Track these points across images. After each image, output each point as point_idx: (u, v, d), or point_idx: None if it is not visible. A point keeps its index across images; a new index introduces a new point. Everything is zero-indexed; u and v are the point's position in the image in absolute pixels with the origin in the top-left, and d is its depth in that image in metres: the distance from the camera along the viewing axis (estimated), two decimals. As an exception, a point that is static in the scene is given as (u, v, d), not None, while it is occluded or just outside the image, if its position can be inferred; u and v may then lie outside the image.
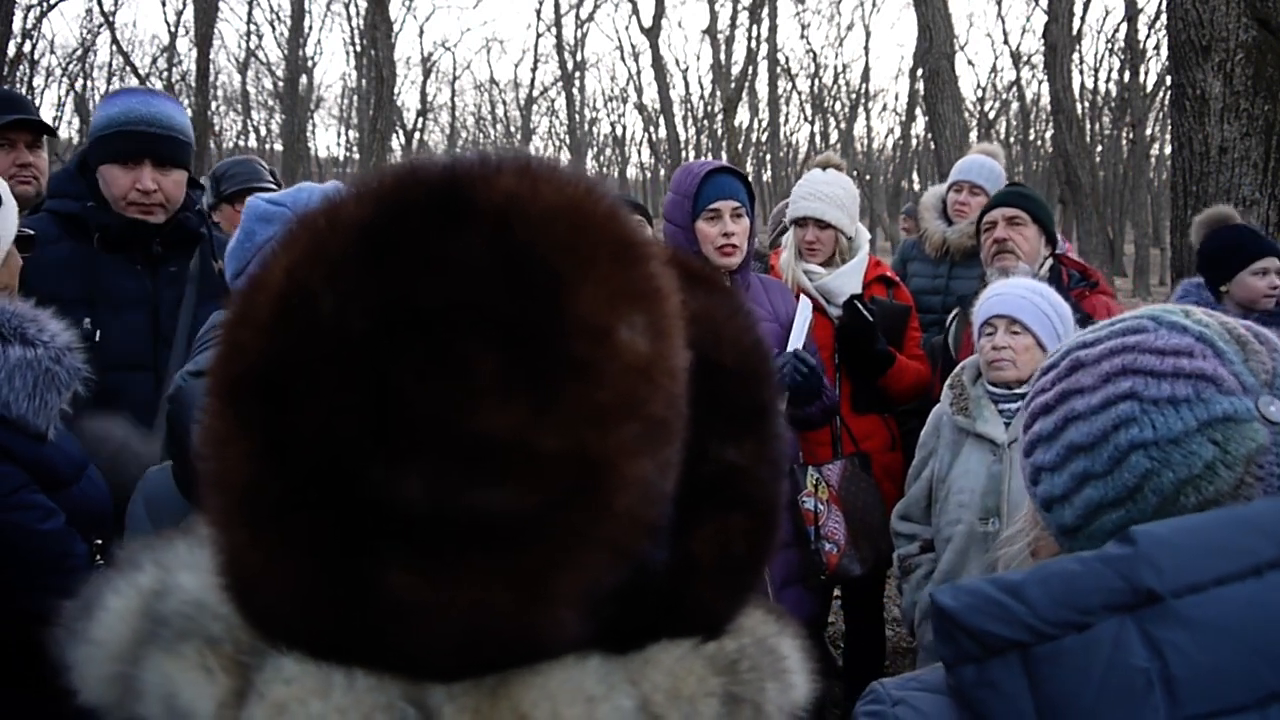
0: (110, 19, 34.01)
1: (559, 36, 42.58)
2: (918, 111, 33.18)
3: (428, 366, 0.49)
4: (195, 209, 2.94)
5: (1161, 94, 28.78)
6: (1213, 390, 0.96)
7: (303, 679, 0.52)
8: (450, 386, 0.48)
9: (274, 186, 4.46)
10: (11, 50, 20.00)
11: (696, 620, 0.60)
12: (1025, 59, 40.09)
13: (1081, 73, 36.22)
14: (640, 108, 48.10)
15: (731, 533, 0.61)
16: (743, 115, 41.31)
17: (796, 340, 3.11)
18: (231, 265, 1.58)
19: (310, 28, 39.31)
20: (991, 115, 44.60)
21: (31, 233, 2.24)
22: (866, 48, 67.71)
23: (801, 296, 3.36)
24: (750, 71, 35.93)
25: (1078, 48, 30.02)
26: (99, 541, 2.09)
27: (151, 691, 0.54)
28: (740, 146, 37.55)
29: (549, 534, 0.50)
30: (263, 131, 51.42)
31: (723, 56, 36.98)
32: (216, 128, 40.83)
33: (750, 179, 3.49)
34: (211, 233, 2.99)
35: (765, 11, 33.78)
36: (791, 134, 44.24)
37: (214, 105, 38.79)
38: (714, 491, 0.60)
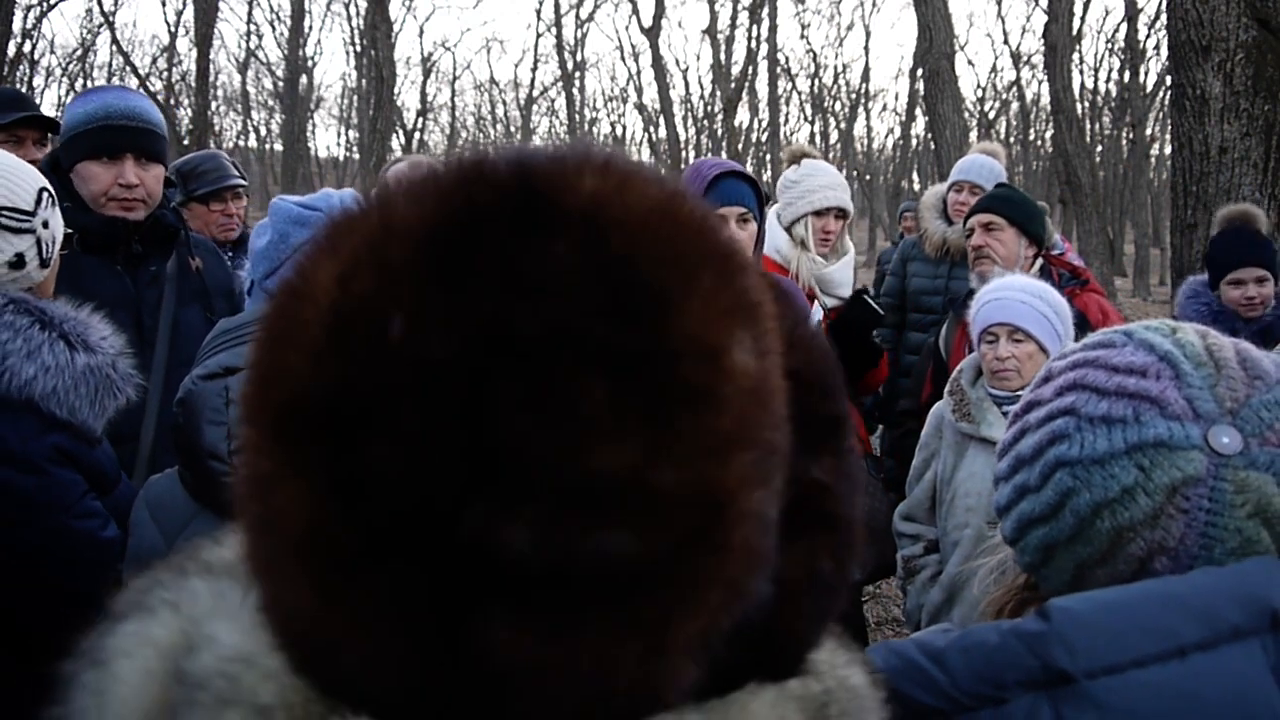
0: (110, 19, 34.01)
1: (559, 36, 42.59)
2: (918, 111, 33.17)
3: (529, 399, 0.43)
4: (170, 206, 2.92)
5: (1161, 94, 28.76)
6: (1153, 413, 0.91)
7: None
8: (556, 421, 0.43)
9: (243, 183, 4.45)
10: (11, 50, 19.99)
11: (784, 652, 0.56)
12: (1025, 59, 40.11)
13: (1081, 73, 36.25)
14: (640, 108, 48.10)
15: (819, 553, 0.57)
16: (743, 115, 41.36)
17: None
18: (262, 267, 1.59)
19: (310, 28, 39.34)
20: (991, 115, 44.60)
21: (74, 232, 2.27)
22: (866, 48, 67.69)
23: (815, 303, 3.37)
24: (750, 71, 35.90)
25: (1078, 48, 30.01)
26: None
27: None
28: (740, 146, 37.57)
29: (671, 577, 0.45)
30: (263, 131, 51.41)
31: (723, 56, 36.97)
32: (216, 128, 40.82)
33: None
34: (187, 231, 2.96)
35: (765, 11, 33.75)
36: (792, 134, 44.22)
37: (214, 105, 38.77)
38: (800, 511, 0.55)
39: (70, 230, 2.26)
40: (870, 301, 3.46)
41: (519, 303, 0.44)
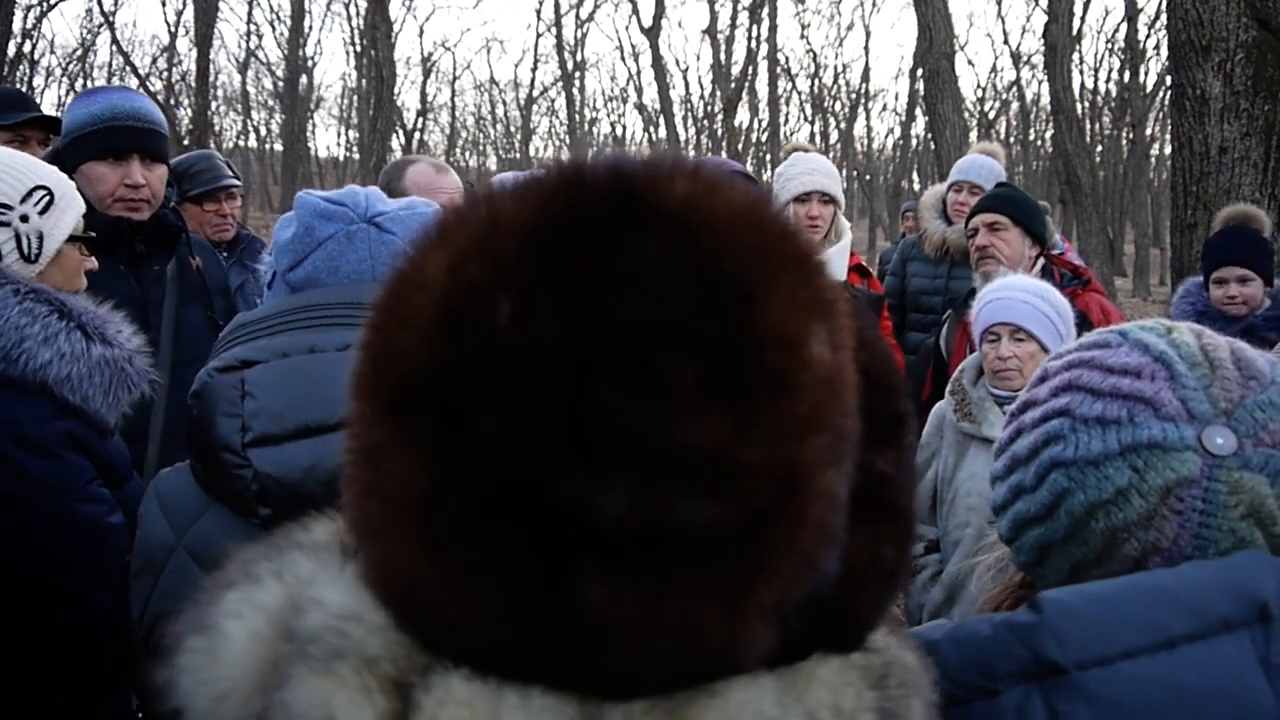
0: (110, 19, 34.02)
1: (559, 36, 42.59)
2: (918, 111, 33.17)
3: (627, 378, 0.47)
4: (170, 205, 2.93)
5: (1161, 94, 28.76)
6: (1148, 414, 0.92)
7: (474, 701, 0.49)
8: (652, 399, 0.47)
9: (237, 183, 4.44)
10: (11, 50, 20.00)
11: (850, 630, 0.59)
12: (1025, 59, 40.11)
13: (1081, 73, 36.25)
14: (640, 108, 48.13)
15: (883, 541, 0.61)
16: (743, 115, 41.37)
17: None
18: (286, 259, 1.60)
19: (310, 28, 39.33)
20: (991, 115, 44.60)
21: (94, 235, 2.29)
22: (866, 48, 67.70)
23: None
24: (750, 71, 35.91)
25: (1078, 48, 30.02)
26: None
27: (304, 715, 0.51)
28: (740, 146, 37.57)
29: (752, 546, 0.49)
30: (263, 131, 51.42)
31: (723, 56, 36.97)
32: (216, 128, 40.82)
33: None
34: (187, 230, 2.96)
35: (765, 11, 33.75)
36: (791, 134, 44.16)
37: (214, 105, 38.76)
38: (867, 500, 0.59)
39: (93, 234, 2.28)
40: (849, 294, 3.44)
41: (618, 294, 0.48)
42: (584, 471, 0.47)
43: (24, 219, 2.10)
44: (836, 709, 0.54)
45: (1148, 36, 30.59)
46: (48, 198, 2.14)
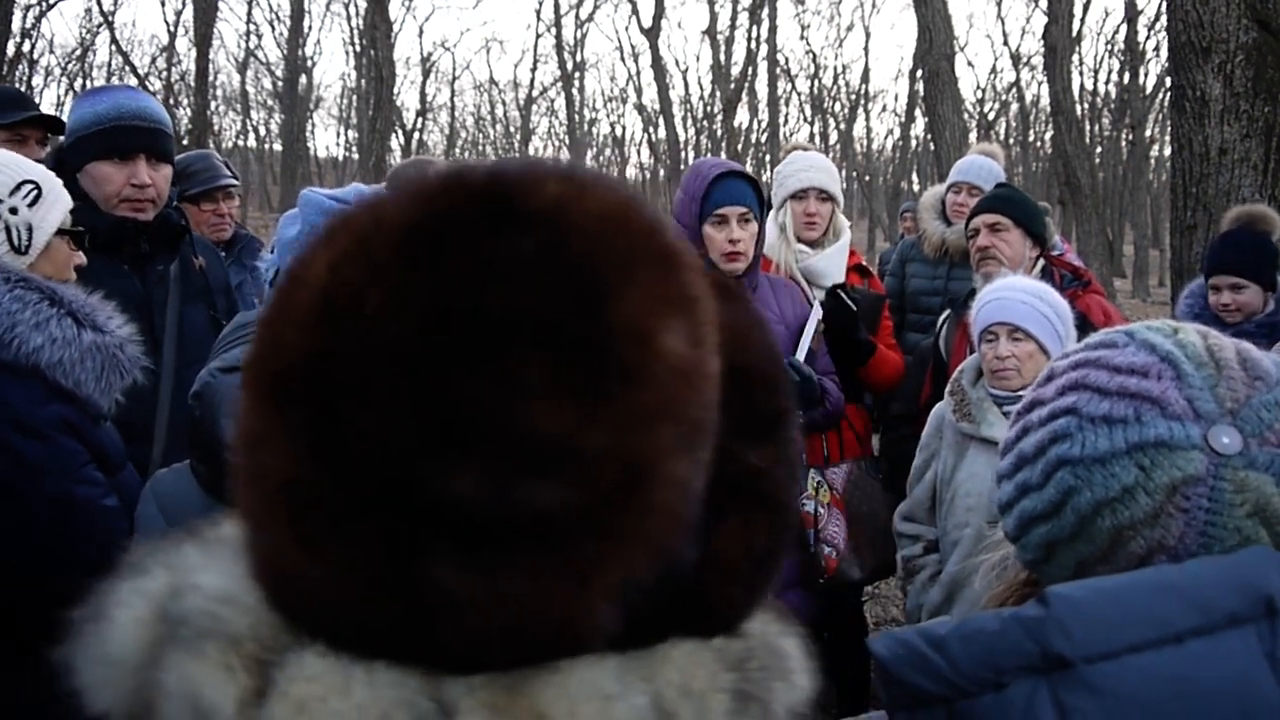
0: (109, 19, 34.03)
1: (558, 37, 42.59)
2: (917, 112, 33.17)
3: (481, 367, 0.50)
4: (174, 205, 2.92)
5: (1161, 95, 28.77)
6: (1154, 413, 0.92)
7: (325, 676, 0.52)
8: (504, 387, 0.50)
9: (235, 183, 4.43)
10: (10, 50, 19.99)
11: (717, 616, 0.61)
12: (1025, 60, 40.13)
13: (1081, 74, 36.24)
14: (640, 108, 48.13)
15: (754, 531, 0.63)
16: (742, 116, 41.33)
17: (804, 346, 3.11)
18: (290, 256, 1.61)
19: (310, 28, 39.33)
20: (991, 116, 44.60)
21: (83, 229, 2.31)
22: (866, 49, 67.66)
23: (815, 304, 3.34)
24: (750, 72, 35.91)
25: (1077, 49, 30.02)
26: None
27: (174, 693, 0.54)
28: (740, 147, 37.56)
29: (595, 529, 0.51)
30: (262, 131, 51.41)
31: (722, 57, 36.97)
32: (216, 128, 40.81)
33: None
34: (190, 230, 2.96)
35: (765, 12, 33.75)
36: (791, 134, 44.14)
37: (213, 105, 38.76)
38: (738, 491, 0.62)
39: (81, 229, 2.30)
40: (844, 296, 3.41)
41: (478, 287, 0.51)
42: (439, 457, 0.50)
43: (13, 211, 2.13)
44: (685, 688, 0.56)
45: (1147, 38, 30.63)
46: (36, 191, 2.17)
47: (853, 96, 47.19)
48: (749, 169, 3.61)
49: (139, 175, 2.71)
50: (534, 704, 0.52)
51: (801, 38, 61.69)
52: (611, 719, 0.53)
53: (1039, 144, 42.43)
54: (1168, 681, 0.83)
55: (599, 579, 0.52)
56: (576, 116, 47.49)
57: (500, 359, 0.50)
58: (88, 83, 36.48)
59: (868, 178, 44.15)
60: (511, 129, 56.56)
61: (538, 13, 66.79)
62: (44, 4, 27.29)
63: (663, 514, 0.53)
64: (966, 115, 24.62)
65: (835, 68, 57.48)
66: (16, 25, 23.17)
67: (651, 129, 45.62)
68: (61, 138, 2.84)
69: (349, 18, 40.46)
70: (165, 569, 0.60)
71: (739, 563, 0.62)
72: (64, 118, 2.93)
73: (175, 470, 1.54)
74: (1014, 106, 43.30)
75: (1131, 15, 27.85)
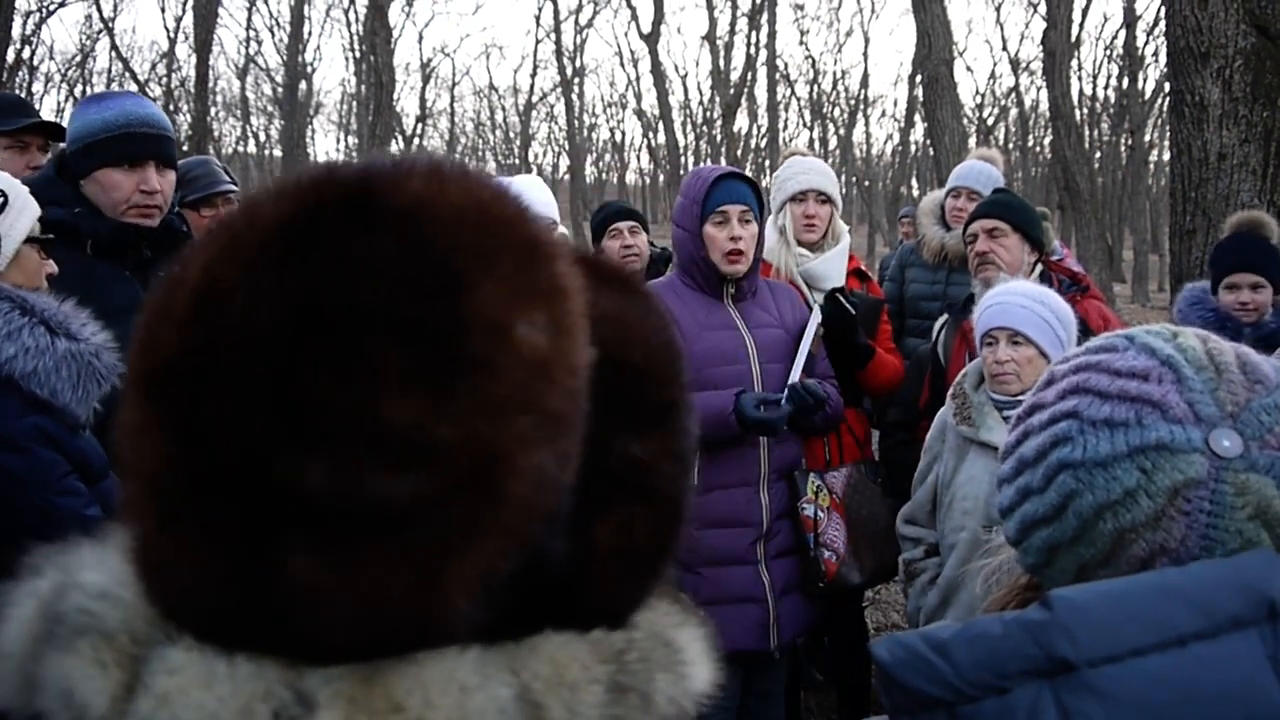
0: (110, 25, 34.09)
1: (558, 42, 42.63)
2: (917, 117, 33.22)
3: (331, 361, 0.51)
4: (175, 211, 2.93)
5: (1160, 100, 28.81)
6: (1155, 416, 0.93)
7: (186, 669, 0.53)
8: (353, 380, 0.51)
9: (234, 188, 4.42)
10: (11, 56, 20.01)
11: (595, 610, 0.61)
12: (1024, 65, 40.15)
13: (1080, 79, 36.24)
14: (639, 113, 48.24)
15: (634, 524, 0.63)
16: (742, 121, 41.38)
17: (803, 350, 3.11)
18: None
19: (309, 34, 39.36)
20: (990, 121, 44.65)
21: (52, 237, 2.28)
22: (865, 54, 67.70)
23: (814, 307, 3.34)
24: (749, 77, 35.94)
25: (1076, 54, 30.05)
26: None
27: (51, 688, 0.55)
28: (739, 152, 37.59)
29: (446, 520, 0.52)
30: (262, 137, 51.48)
31: (722, 62, 37.02)
32: (216, 133, 40.84)
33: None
34: (193, 236, 2.96)
35: (764, 18, 33.80)
36: (791, 139, 44.20)
37: (213, 111, 38.79)
38: (617, 484, 0.62)
39: (51, 236, 2.26)
40: (843, 300, 3.42)
41: (334, 281, 0.52)
42: (292, 449, 0.51)
43: None
44: (554, 680, 0.56)
45: (1146, 43, 30.66)
46: (2, 199, 2.14)
47: (852, 102, 47.28)
48: (749, 173, 3.61)
49: (149, 181, 2.71)
50: (390, 695, 0.53)
51: (801, 43, 61.95)
52: (469, 710, 0.53)
53: (1038, 149, 42.48)
54: (1171, 685, 0.82)
55: (453, 570, 0.52)
56: (576, 122, 47.52)
57: (352, 352, 0.51)
58: (88, 89, 36.52)
59: (867, 183, 44.18)
60: (511, 134, 56.66)
61: (537, 18, 66.87)
62: (44, 10, 27.35)
63: (518, 505, 0.53)
64: (966, 120, 24.66)
65: (834, 73, 57.65)
66: (17, 31, 23.21)
67: (651, 134, 45.71)
68: (63, 144, 2.82)
69: (349, 24, 40.51)
70: (57, 569, 0.61)
71: (619, 555, 0.62)
72: (65, 124, 2.91)
73: None
74: (1013, 111, 43.37)
75: (1130, 20, 27.90)
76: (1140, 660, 0.83)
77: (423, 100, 48.28)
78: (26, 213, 2.19)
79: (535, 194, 3.92)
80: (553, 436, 0.54)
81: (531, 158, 55.50)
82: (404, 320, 0.51)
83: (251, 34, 43.11)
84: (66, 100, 37.42)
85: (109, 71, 36.97)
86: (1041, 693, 0.84)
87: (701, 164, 30.76)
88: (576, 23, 44.67)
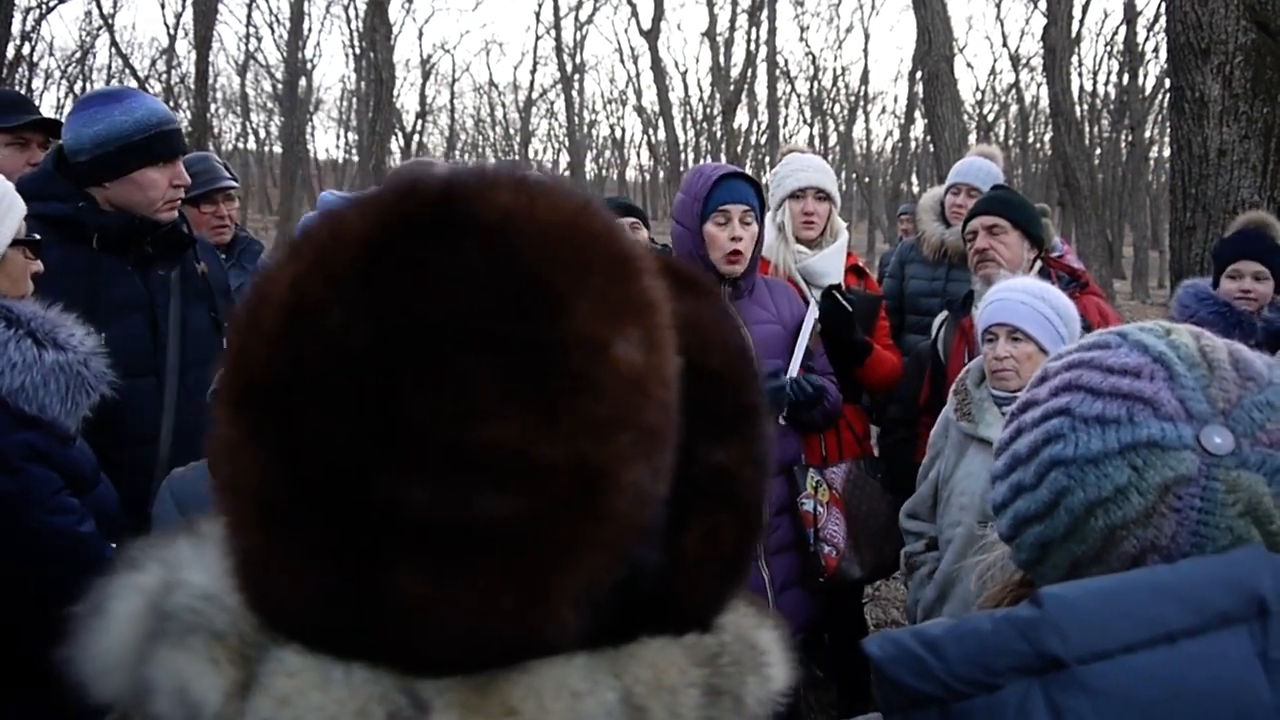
0: (109, 21, 34.06)
1: (558, 39, 42.59)
2: (917, 114, 33.18)
3: (430, 380, 0.51)
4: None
5: (1160, 97, 28.79)
6: (1147, 413, 0.93)
7: (304, 672, 0.54)
8: (452, 399, 0.50)
9: (234, 185, 4.42)
10: (10, 52, 20.00)
11: (686, 616, 0.62)
12: (1024, 61, 40.15)
13: (1080, 75, 36.21)
14: (639, 110, 48.19)
15: (720, 531, 0.63)
16: (742, 117, 41.33)
17: (801, 346, 3.11)
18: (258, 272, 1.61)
19: (309, 30, 39.30)
20: (990, 118, 44.62)
21: (38, 237, 2.23)
22: (865, 50, 67.62)
23: (812, 304, 3.34)
24: (749, 74, 35.91)
25: (1076, 50, 30.01)
26: (114, 545, 2.10)
27: (163, 686, 0.55)
28: (739, 149, 37.57)
29: (549, 538, 0.52)
30: (262, 134, 51.47)
31: (722, 59, 36.98)
32: (215, 130, 40.81)
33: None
34: (194, 236, 2.97)
35: (764, 14, 33.76)
36: (790, 136, 44.10)
37: (213, 108, 38.76)
38: (703, 492, 0.62)
39: (37, 237, 2.23)
40: (839, 297, 3.43)
41: (429, 299, 0.52)
42: (392, 468, 0.51)
43: None
44: (655, 684, 0.57)
45: (1146, 39, 30.64)
46: None
47: (852, 98, 47.25)
48: (749, 170, 3.61)
49: (181, 176, 2.75)
50: (505, 700, 0.54)
51: (801, 39, 61.85)
52: (581, 714, 0.54)
53: (1038, 145, 42.45)
54: (1161, 682, 0.83)
55: (558, 585, 0.53)
56: (576, 119, 47.49)
57: (450, 372, 0.51)
58: (88, 85, 36.52)
59: (867, 179, 44.15)
60: (511, 131, 56.62)
61: (537, 15, 66.86)
62: (44, 7, 27.32)
63: (620, 521, 0.54)
64: (966, 117, 24.63)
65: (834, 69, 57.48)
66: (16, 28, 23.20)
67: (651, 131, 45.68)
68: (61, 141, 2.80)
69: (349, 20, 40.53)
70: (159, 564, 0.62)
71: (707, 562, 0.63)
72: (64, 121, 2.89)
73: (193, 468, 1.54)
74: (1013, 108, 43.36)
75: (1130, 16, 27.87)
76: (1130, 657, 0.83)
77: (423, 97, 48.27)
78: (12, 215, 2.13)
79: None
80: (649, 451, 0.55)
81: (531, 154, 55.47)
82: (500, 339, 0.51)
83: (251, 30, 43.13)
84: (66, 97, 37.44)
85: (109, 68, 37.01)
86: (1031, 690, 0.84)
87: (702, 160, 30.73)
88: (576, 19, 44.68)
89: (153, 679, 0.56)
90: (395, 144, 37.16)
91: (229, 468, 0.56)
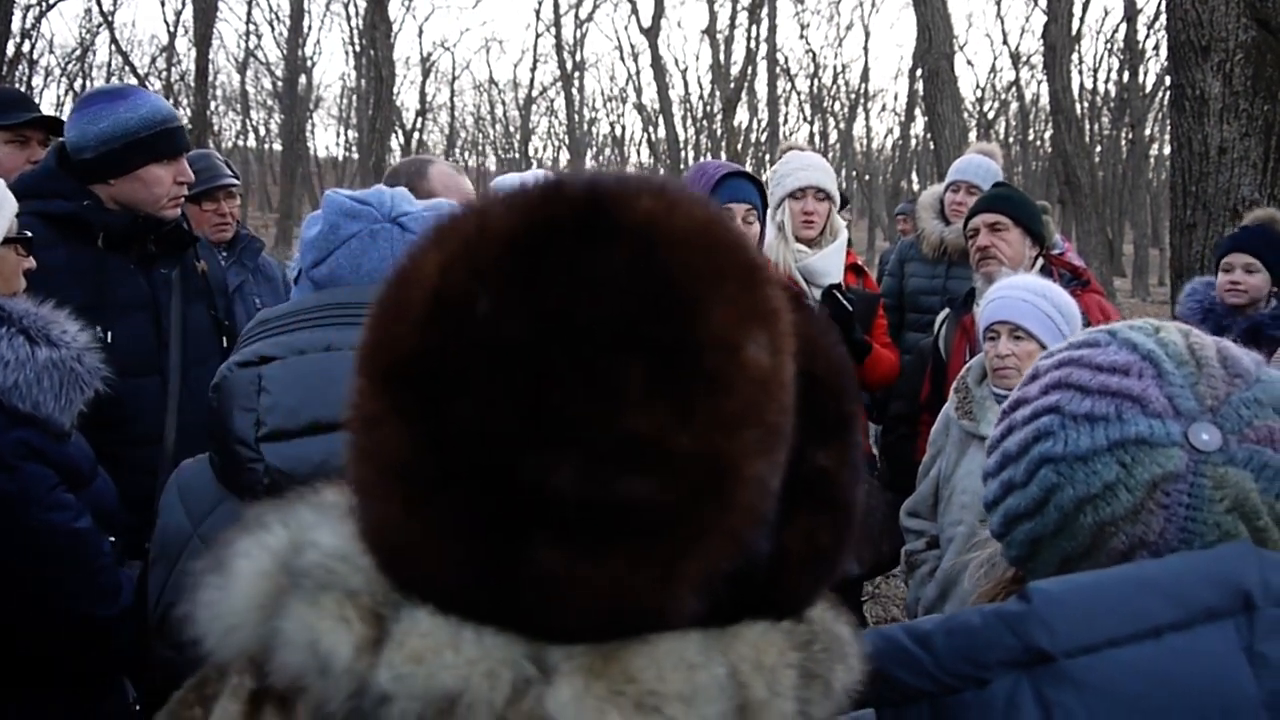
0: (109, 19, 34.04)
1: (558, 36, 42.56)
2: (917, 112, 33.17)
3: (581, 373, 0.55)
4: None
5: (1161, 94, 28.76)
6: (1135, 410, 0.94)
7: (437, 632, 0.57)
8: (599, 391, 0.55)
9: (235, 182, 4.41)
10: (10, 50, 19.99)
11: (783, 606, 0.66)
12: (1024, 59, 40.11)
13: (1080, 73, 36.18)
14: (639, 108, 48.12)
15: (819, 529, 0.67)
16: (742, 115, 41.28)
17: None
18: (311, 256, 1.61)
19: (309, 27, 39.30)
20: (991, 115, 44.60)
21: (30, 235, 2.22)
22: (866, 48, 67.74)
23: (812, 303, 3.35)
24: (749, 71, 35.89)
25: (1077, 48, 30.00)
26: (111, 539, 2.10)
27: (294, 639, 0.59)
28: (739, 146, 37.54)
29: (681, 523, 0.56)
30: (261, 131, 51.47)
31: (722, 56, 36.94)
32: (215, 128, 40.81)
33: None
34: (196, 236, 2.97)
35: (764, 11, 33.74)
36: (791, 134, 44.06)
37: (213, 105, 38.76)
38: (807, 492, 0.66)
39: (29, 235, 2.23)
40: (839, 296, 3.43)
41: (578, 298, 0.56)
42: (539, 452, 0.55)
43: None
44: (757, 663, 0.61)
45: (1147, 37, 30.61)
46: None
47: (852, 96, 47.23)
48: (749, 168, 3.61)
49: (185, 173, 2.76)
50: (627, 669, 0.57)
51: (801, 37, 61.75)
52: (696, 685, 0.58)
53: (1038, 143, 42.41)
54: (1147, 675, 0.83)
55: (686, 568, 0.57)
56: (576, 116, 47.46)
57: (598, 365, 0.55)
58: (88, 83, 36.47)
59: (867, 177, 44.15)
60: (511, 129, 56.59)
61: (537, 12, 66.80)
62: (44, 4, 27.31)
63: (743, 510, 0.58)
64: (966, 114, 24.63)
65: (835, 67, 57.41)
66: (16, 25, 23.18)
67: (651, 128, 45.62)
68: (61, 139, 2.80)
69: (349, 17, 40.48)
70: (283, 525, 0.65)
71: (807, 558, 0.66)
72: (64, 119, 2.89)
73: (198, 460, 1.56)
74: (1013, 105, 43.32)
75: (1131, 14, 27.84)
76: (1116, 651, 0.84)
77: (423, 94, 48.24)
78: (4, 211, 2.12)
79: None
80: (771, 448, 0.59)
81: (531, 152, 55.44)
82: (644, 339, 0.55)
83: (251, 28, 43.09)
84: (66, 94, 37.42)
85: (109, 66, 36.96)
86: (1020, 683, 0.85)
87: (702, 158, 30.69)
88: (576, 17, 44.62)
89: (283, 632, 0.59)
90: (395, 141, 37.13)
91: (368, 440, 0.60)
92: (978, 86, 46.46)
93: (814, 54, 48.79)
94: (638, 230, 0.58)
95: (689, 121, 46.86)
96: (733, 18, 38.20)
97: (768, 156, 37.48)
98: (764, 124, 42.11)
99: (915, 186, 39.08)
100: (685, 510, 0.56)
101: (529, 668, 0.57)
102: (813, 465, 0.66)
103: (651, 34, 33.40)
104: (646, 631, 0.59)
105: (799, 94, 47.12)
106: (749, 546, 0.60)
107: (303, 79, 38.23)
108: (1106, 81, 39.54)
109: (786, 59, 44.68)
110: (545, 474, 0.55)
